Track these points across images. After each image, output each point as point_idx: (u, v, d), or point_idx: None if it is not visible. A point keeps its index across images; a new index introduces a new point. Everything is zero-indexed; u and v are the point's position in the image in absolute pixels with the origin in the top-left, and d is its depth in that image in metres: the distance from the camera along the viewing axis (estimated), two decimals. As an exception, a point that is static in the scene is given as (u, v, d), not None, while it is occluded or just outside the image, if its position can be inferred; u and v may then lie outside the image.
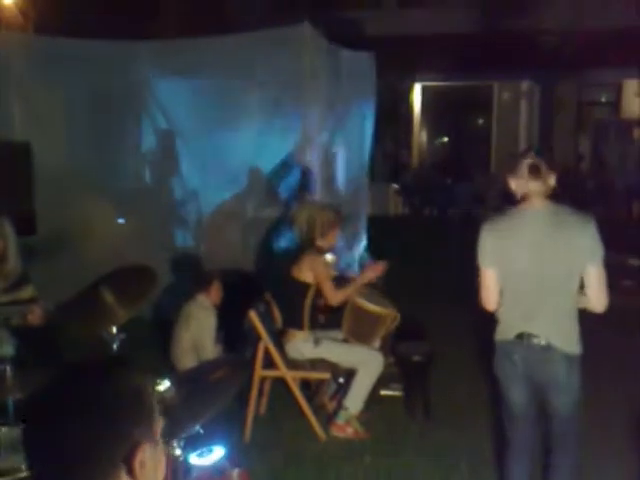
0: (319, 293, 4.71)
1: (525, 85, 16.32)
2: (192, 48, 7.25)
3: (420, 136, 17.15)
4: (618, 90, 16.23)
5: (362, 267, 7.27)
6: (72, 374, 1.20)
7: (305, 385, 5.03)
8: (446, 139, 17.67)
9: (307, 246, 4.71)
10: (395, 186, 15.48)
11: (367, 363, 4.58)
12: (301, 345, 4.61)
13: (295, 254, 4.79)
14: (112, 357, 1.39)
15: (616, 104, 16.28)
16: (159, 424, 1.22)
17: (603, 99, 16.80)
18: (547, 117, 16.05)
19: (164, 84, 8.27)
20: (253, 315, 4.49)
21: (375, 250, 8.40)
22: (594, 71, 14.46)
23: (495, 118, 16.92)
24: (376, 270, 4.88)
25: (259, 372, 4.60)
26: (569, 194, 13.21)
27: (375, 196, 11.88)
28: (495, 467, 3.98)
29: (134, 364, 1.27)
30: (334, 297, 4.67)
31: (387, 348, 5.04)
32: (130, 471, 1.13)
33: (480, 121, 17.46)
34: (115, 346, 3.30)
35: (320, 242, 4.72)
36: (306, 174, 7.14)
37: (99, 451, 1.12)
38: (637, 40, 12.30)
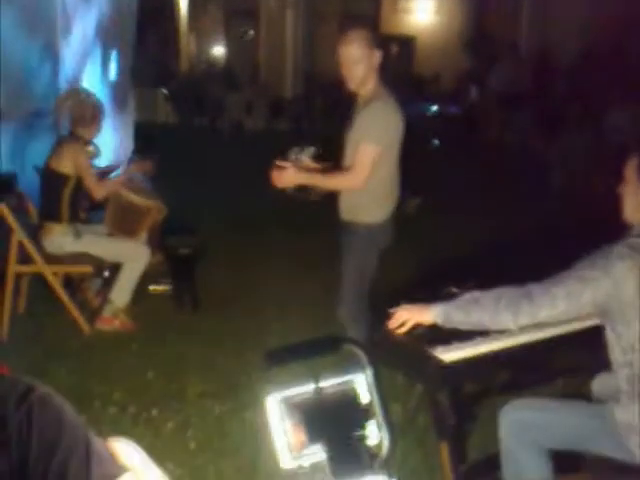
0: (79, 187, 4.50)
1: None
2: None
3: (189, 41, 16.64)
4: (377, 4, 16.87)
5: (129, 164, 7.07)
6: None
7: (69, 283, 4.85)
8: (217, 47, 17.31)
9: (67, 136, 4.47)
10: (164, 92, 14.97)
11: (132, 256, 4.53)
12: (60, 238, 4.40)
13: (53, 145, 4.51)
14: None
15: (375, 18, 16.84)
16: None
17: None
18: (311, 29, 16.28)
19: None
20: (3, 208, 4.19)
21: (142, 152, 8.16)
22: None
23: (263, 28, 16.87)
24: (142, 167, 4.85)
25: (13, 268, 4.34)
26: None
27: (142, 102, 11.38)
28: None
29: None
30: (97, 190, 4.51)
31: (155, 243, 4.99)
32: None
33: (250, 31, 17.28)
34: None
35: (82, 132, 4.50)
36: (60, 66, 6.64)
37: None
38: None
